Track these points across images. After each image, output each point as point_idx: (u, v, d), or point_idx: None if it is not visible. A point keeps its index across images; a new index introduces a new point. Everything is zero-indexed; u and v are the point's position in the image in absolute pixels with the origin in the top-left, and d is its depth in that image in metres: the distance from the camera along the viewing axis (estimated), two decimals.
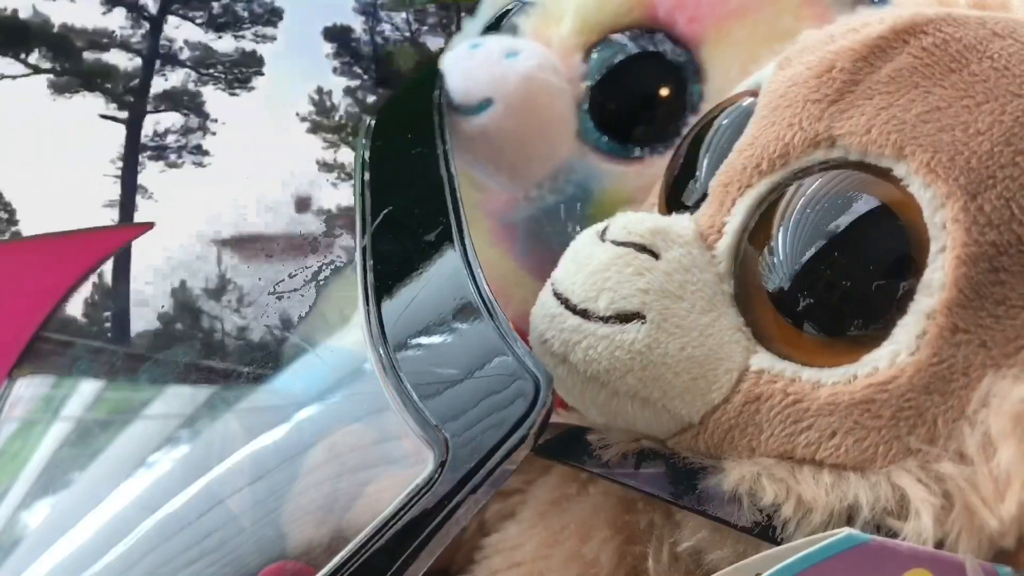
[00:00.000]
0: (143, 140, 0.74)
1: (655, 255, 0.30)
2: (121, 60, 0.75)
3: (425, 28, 0.80)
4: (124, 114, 0.74)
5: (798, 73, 0.31)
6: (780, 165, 0.30)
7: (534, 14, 0.45)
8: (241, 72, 0.76)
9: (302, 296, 0.38)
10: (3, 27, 0.72)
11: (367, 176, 0.37)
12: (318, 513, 0.34)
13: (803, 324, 0.28)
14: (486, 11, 0.54)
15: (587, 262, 0.31)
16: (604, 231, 0.32)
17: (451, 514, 0.26)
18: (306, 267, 0.39)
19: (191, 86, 0.76)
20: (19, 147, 0.67)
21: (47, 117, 0.72)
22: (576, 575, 0.33)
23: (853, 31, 0.31)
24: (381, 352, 0.29)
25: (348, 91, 0.79)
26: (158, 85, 0.76)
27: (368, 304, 0.30)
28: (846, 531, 0.25)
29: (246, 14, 0.77)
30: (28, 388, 0.43)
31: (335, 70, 0.79)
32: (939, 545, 0.25)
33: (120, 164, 0.72)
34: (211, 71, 0.76)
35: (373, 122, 0.41)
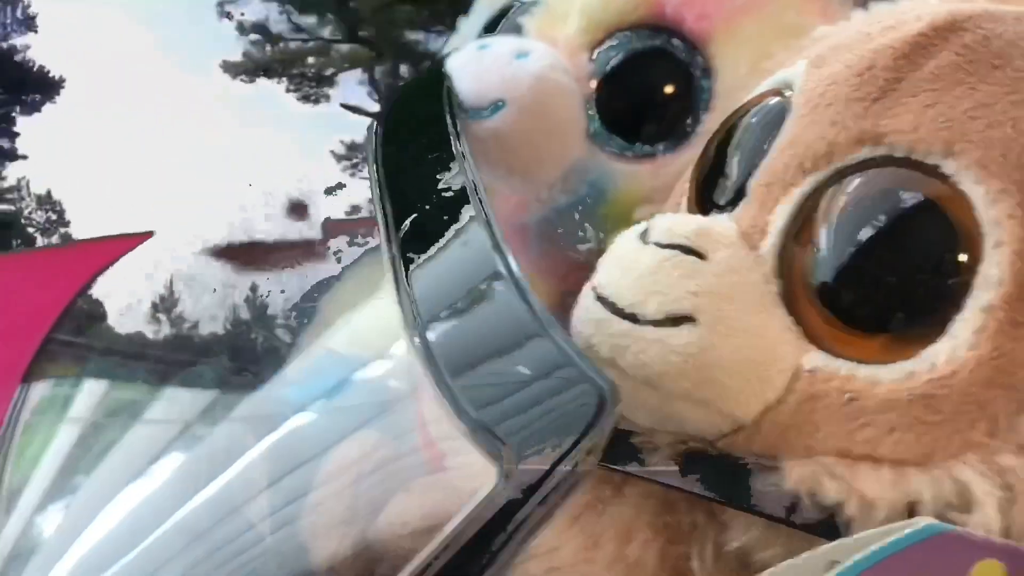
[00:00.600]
0: None
1: (702, 256, 0.30)
2: None
3: None
4: None
5: (837, 71, 0.31)
6: (824, 164, 0.30)
7: (538, 14, 0.44)
8: None
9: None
10: None
11: (382, 184, 0.36)
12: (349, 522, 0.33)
13: (853, 321, 0.29)
14: (482, 10, 0.53)
15: (632, 266, 0.30)
16: (645, 233, 0.31)
17: (519, 527, 0.26)
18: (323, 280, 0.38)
19: None
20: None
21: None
22: None
23: (891, 28, 0.31)
24: (431, 368, 0.28)
25: None
26: None
27: (416, 320, 0.29)
28: (925, 521, 0.25)
29: None
30: (42, 392, 0.42)
31: None
32: (1003, 535, 0.26)
33: None
34: None
35: (381, 129, 0.40)
